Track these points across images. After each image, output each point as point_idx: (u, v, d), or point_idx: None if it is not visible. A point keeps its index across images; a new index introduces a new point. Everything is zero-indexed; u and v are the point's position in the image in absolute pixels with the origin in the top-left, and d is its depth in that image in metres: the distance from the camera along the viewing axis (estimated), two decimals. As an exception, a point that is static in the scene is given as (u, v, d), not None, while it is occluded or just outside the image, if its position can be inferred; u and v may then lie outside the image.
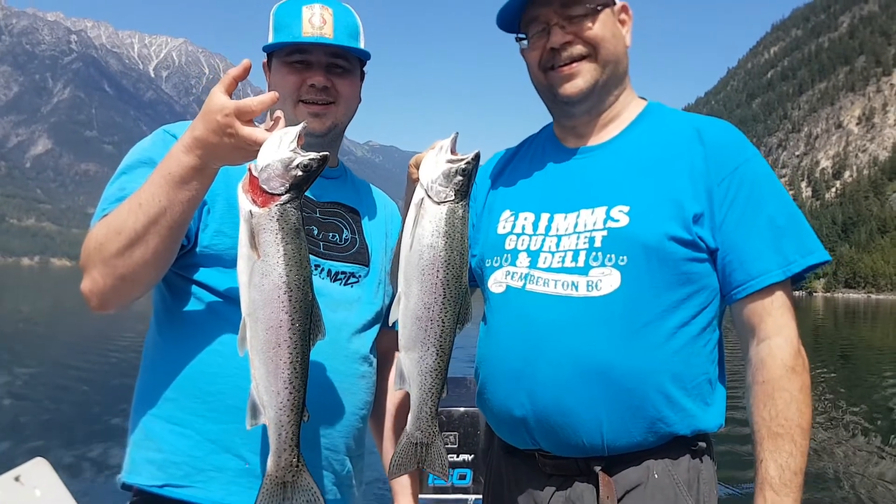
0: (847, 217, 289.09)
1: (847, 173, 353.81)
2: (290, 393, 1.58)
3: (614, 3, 2.04)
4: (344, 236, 2.16)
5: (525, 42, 2.08)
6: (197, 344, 1.95)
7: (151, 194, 1.72)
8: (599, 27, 1.98)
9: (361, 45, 2.17)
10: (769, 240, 1.86)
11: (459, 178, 1.64)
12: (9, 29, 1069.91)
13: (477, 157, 1.67)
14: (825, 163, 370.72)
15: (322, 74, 2.08)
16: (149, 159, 1.89)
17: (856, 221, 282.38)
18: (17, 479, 3.16)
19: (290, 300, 1.55)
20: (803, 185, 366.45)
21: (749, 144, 1.98)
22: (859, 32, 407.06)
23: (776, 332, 1.86)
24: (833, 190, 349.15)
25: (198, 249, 1.96)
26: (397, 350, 1.75)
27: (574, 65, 1.99)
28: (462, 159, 1.66)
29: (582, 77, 1.99)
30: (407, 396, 1.76)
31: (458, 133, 1.71)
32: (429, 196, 1.66)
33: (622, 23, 2.07)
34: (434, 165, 1.67)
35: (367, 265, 2.20)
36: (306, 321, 1.59)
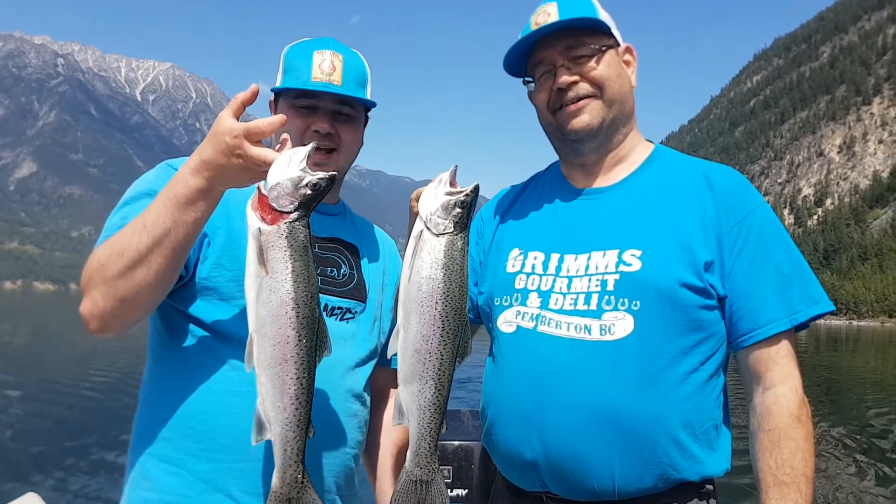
0: (829, 244, 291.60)
1: (829, 201, 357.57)
2: (297, 409, 1.59)
3: (619, 45, 2.07)
4: (342, 271, 2.17)
5: (532, 85, 2.11)
6: (190, 381, 1.94)
7: (157, 215, 1.73)
8: (604, 67, 2.01)
9: (368, 93, 2.20)
10: (776, 289, 1.88)
11: (458, 210, 1.66)
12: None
13: (476, 190, 1.68)
14: (807, 190, 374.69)
15: (327, 121, 2.11)
16: (152, 191, 1.89)
17: (837, 248, 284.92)
18: None
19: (297, 316, 1.57)
20: (785, 212, 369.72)
21: (755, 192, 2.01)
22: (840, 62, 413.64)
23: (781, 380, 1.88)
24: (815, 217, 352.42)
25: (196, 281, 1.96)
26: (394, 387, 1.75)
27: (581, 102, 2.02)
28: (461, 192, 1.67)
29: (589, 113, 2.02)
30: (403, 434, 1.75)
31: (457, 166, 1.72)
32: (428, 228, 1.67)
33: (627, 63, 2.10)
34: (433, 198, 1.68)
35: (364, 301, 2.20)
36: (313, 337, 1.60)
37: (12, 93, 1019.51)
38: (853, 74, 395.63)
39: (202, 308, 1.96)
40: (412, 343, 1.65)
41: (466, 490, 3.34)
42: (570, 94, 2.02)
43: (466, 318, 1.69)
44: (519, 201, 2.28)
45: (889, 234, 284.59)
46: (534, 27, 2.02)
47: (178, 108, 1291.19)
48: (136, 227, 1.76)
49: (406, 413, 1.69)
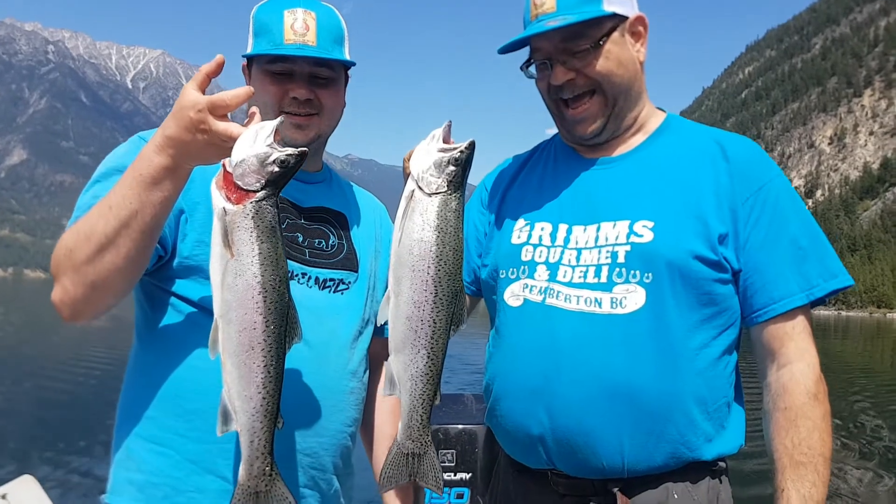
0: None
1: (819, 192, 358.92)
2: (264, 398, 1.51)
3: (625, 20, 1.92)
4: (330, 242, 2.08)
5: (532, 69, 2.00)
6: (177, 359, 1.86)
7: (122, 196, 1.63)
8: (603, 62, 1.87)
9: (346, 51, 2.08)
10: (792, 262, 1.81)
11: (452, 167, 1.55)
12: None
13: (472, 146, 1.58)
14: (798, 181, 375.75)
15: (305, 87, 1.98)
16: (123, 166, 1.75)
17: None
18: (3, 497, 3.08)
19: (264, 301, 1.49)
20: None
21: (772, 162, 1.92)
22: (831, 54, 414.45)
23: (798, 357, 1.81)
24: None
25: (176, 261, 1.87)
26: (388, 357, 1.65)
27: (584, 105, 1.92)
28: (455, 148, 1.57)
29: (592, 118, 1.93)
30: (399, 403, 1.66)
31: (451, 122, 1.61)
32: (419, 187, 1.57)
33: (636, 35, 1.96)
34: (425, 155, 1.58)
35: (356, 271, 2.11)
36: (282, 323, 1.51)
37: (3, 80, 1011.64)
38: (845, 66, 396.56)
39: (187, 287, 1.88)
40: (403, 310, 1.57)
41: (470, 474, 3.29)
42: (567, 91, 1.92)
43: (462, 283, 1.59)
44: (524, 171, 2.20)
45: (878, 225, 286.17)
46: (532, 15, 1.91)
47: (169, 95, 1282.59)
48: (102, 210, 1.66)
49: (398, 383, 1.61)
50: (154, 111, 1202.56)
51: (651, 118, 2.04)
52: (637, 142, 2.01)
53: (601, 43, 1.87)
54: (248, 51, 2.03)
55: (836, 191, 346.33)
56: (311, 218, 2.08)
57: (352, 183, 2.36)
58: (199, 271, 1.86)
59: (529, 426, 1.84)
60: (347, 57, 2.07)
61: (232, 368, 1.51)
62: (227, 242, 1.47)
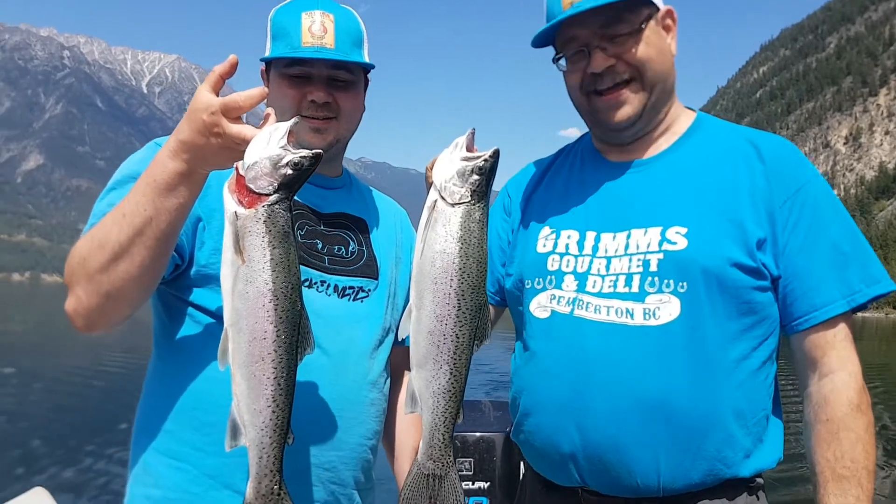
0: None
1: (835, 192, 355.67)
2: (273, 412, 1.45)
3: (658, 10, 1.86)
4: (350, 249, 2.03)
5: (563, 62, 1.92)
6: (194, 370, 1.82)
7: (136, 203, 1.59)
8: (644, 48, 1.80)
9: (365, 53, 2.04)
10: (833, 268, 1.73)
11: (476, 177, 1.50)
12: (1, 44, 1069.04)
13: (496, 154, 1.52)
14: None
15: (323, 89, 1.94)
16: (139, 173, 1.71)
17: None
18: None
19: (275, 309, 1.43)
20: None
21: (809, 163, 1.85)
22: (846, 53, 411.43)
23: (839, 366, 1.73)
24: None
25: (193, 270, 1.84)
26: (409, 368, 1.60)
27: (620, 92, 1.83)
28: (479, 156, 1.51)
29: (629, 104, 1.84)
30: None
31: (474, 129, 1.55)
32: (442, 197, 1.52)
33: (667, 29, 1.89)
34: (448, 164, 1.53)
35: (376, 278, 2.06)
36: (293, 333, 1.46)
37: (19, 85, 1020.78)
38: (860, 65, 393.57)
39: (204, 296, 1.85)
40: (425, 324, 1.52)
41: (488, 483, 3.25)
42: (607, 79, 1.83)
43: (485, 297, 1.54)
44: (547, 176, 2.12)
45: (894, 225, 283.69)
46: (564, 4, 1.81)
47: (185, 100, 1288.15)
48: (115, 217, 1.62)
49: (419, 400, 1.56)
50: (170, 116, 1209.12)
51: (680, 118, 1.97)
52: (666, 143, 1.94)
53: (642, 27, 1.80)
54: (266, 54, 2.00)
55: (852, 191, 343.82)
56: (330, 224, 2.04)
57: (372, 188, 2.32)
58: (217, 280, 1.78)
59: (559, 443, 1.78)
60: (366, 59, 2.04)
61: (241, 380, 1.46)
62: (239, 248, 1.43)
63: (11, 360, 21.85)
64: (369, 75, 2.13)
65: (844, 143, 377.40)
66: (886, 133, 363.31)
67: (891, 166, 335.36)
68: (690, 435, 1.68)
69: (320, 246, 1.98)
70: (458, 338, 1.51)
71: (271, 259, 1.42)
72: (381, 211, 2.24)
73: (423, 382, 1.54)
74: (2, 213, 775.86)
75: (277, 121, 1.54)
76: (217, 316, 1.81)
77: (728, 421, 1.70)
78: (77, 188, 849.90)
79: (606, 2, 1.74)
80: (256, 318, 1.43)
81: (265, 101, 1.65)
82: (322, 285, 1.94)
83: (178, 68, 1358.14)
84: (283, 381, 1.45)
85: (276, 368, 1.44)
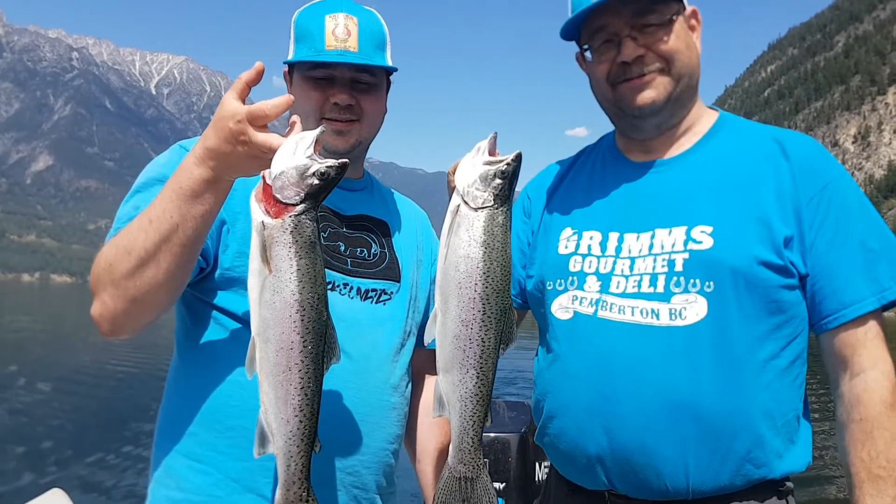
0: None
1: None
2: (301, 421, 1.47)
3: (685, 9, 1.87)
4: (372, 251, 2.04)
5: (589, 54, 1.92)
6: (218, 374, 1.83)
7: (162, 210, 1.60)
8: (674, 39, 1.82)
9: (388, 56, 2.05)
10: (862, 265, 1.72)
11: (499, 181, 1.51)
12: (10, 46, 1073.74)
13: (518, 158, 1.53)
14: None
15: (346, 92, 1.96)
16: (164, 176, 1.74)
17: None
18: None
19: (302, 320, 1.44)
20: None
21: (834, 160, 1.84)
22: (854, 52, 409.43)
23: (871, 364, 1.71)
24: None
25: (218, 272, 1.85)
26: (431, 371, 1.63)
27: (647, 76, 1.83)
28: (502, 160, 1.52)
29: (654, 88, 1.84)
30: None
31: (496, 133, 1.57)
32: (465, 202, 1.53)
33: (692, 29, 1.90)
34: (471, 168, 1.54)
35: (398, 280, 2.06)
36: (320, 343, 1.47)
37: (28, 87, 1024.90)
38: (868, 64, 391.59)
39: (228, 299, 1.86)
40: (451, 328, 1.53)
41: (504, 483, 3.25)
42: (636, 68, 1.84)
43: (510, 300, 1.55)
44: (568, 177, 2.12)
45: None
46: None
47: (193, 101, 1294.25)
48: (142, 223, 1.64)
49: (447, 404, 1.57)
50: (178, 117, 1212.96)
51: (702, 118, 1.97)
52: (689, 143, 1.93)
53: (672, 19, 1.82)
54: (290, 57, 2.01)
55: (862, 189, 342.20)
56: (352, 226, 2.04)
57: (393, 190, 2.32)
58: (241, 283, 1.82)
59: (586, 446, 1.77)
60: (389, 62, 2.04)
61: (269, 389, 1.47)
62: (266, 258, 1.44)
63: (22, 359, 22.00)
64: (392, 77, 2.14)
65: (853, 142, 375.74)
66: (895, 132, 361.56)
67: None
68: (719, 435, 1.67)
69: (343, 248, 1.98)
70: (483, 342, 1.51)
71: (298, 269, 1.44)
72: (403, 213, 2.24)
73: (451, 386, 1.55)
74: (12, 214, 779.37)
75: (300, 123, 1.55)
76: (241, 319, 1.83)
77: (757, 421, 1.68)
78: (86, 189, 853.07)
79: None
80: (283, 329, 1.44)
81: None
82: (345, 288, 1.94)
83: (187, 69, 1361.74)
84: (310, 390, 1.47)
85: (302, 378, 1.46)
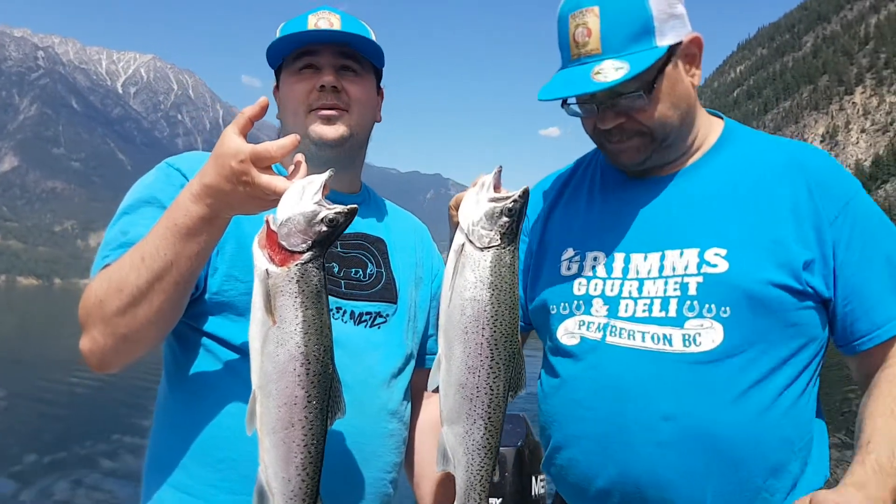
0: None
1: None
2: (303, 480, 1.39)
3: (680, 43, 1.73)
4: (368, 271, 1.95)
5: (575, 107, 1.82)
6: (208, 404, 1.75)
7: (156, 247, 1.53)
8: (653, 108, 1.71)
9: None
10: (890, 283, 1.66)
11: (505, 219, 1.44)
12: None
13: (526, 194, 1.46)
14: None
15: (331, 74, 1.89)
16: (151, 197, 1.70)
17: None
18: None
19: (307, 373, 1.37)
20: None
21: (849, 174, 1.78)
22: (822, 52, 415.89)
23: None
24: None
25: (207, 296, 1.77)
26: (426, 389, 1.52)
27: (627, 143, 1.76)
28: (508, 197, 1.45)
29: (637, 151, 1.78)
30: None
31: (501, 168, 1.50)
32: (470, 241, 1.45)
33: (691, 59, 1.77)
34: (475, 205, 1.46)
35: (395, 302, 1.98)
36: (325, 398, 1.39)
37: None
38: (836, 64, 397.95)
39: (217, 325, 1.78)
40: (456, 376, 1.44)
41: (500, 499, 3.17)
42: (616, 136, 1.77)
43: (519, 345, 1.47)
44: (567, 192, 2.03)
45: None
46: (573, 54, 1.72)
47: (160, 100, 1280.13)
48: (134, 260, 1.56)
49: (451, 458, 1.47)
50: (145, 116, 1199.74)
51: (710, 134, 1.88)
52: (694, 157, 1.85)
53: (654, 86, 1.70)
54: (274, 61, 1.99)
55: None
56: (348, 245, 1.96)
57: (389, 202, 2.25)
58: (230, 307, 1.77)
59: (595, 477, 1.70)
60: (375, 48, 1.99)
61: (270, 446, 1.39)
62: (270, 308, 1.36)
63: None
64: (383, 88, 2.11)
65: (821, 142, 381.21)
66: (862, 131, 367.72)
67: (867, 164, 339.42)
68: (737, 468, 1.61)
69: (336, 269, 1.91)
70: (492, 390, 1.43)
71: (304, 321, 1.37)
72: (401, 228, 2.17)
73: (457, 439, 1.47)
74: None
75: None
76: (231, 345, 1.77)
77: (776, 450, 1.63)
78: (52, 190, 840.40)
79: (615, 84, 1.64)
80: (287, 383, 1.37)
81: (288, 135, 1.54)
82: (338, 312, 1.87)
83: (154, 68, 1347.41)
84: (314, 447, 1.39)
85: (306, 435, 1.38)
